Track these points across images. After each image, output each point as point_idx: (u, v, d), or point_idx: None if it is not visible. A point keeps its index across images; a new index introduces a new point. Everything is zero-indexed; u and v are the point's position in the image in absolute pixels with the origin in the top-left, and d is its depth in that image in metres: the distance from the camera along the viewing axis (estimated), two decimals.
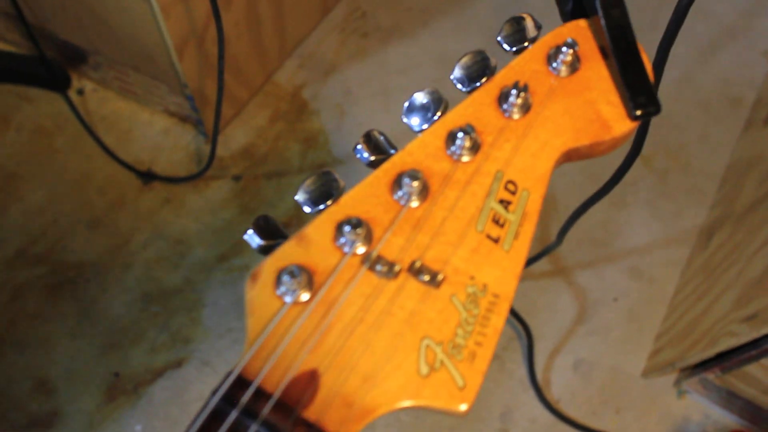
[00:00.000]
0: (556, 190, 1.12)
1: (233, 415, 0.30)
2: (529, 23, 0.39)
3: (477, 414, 0.99)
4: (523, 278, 1.06)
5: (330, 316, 0.33)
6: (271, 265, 0.33)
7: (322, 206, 0.35)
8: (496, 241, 0.35)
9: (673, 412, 0.99)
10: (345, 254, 0.34)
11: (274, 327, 0.32)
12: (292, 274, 0.32)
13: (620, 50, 0.38)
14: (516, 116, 0.37)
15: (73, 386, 0.97)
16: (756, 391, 0.89)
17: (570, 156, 0.37)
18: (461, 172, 0.36)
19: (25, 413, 0.95)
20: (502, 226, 0.35)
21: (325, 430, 0.30)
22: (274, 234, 0.35)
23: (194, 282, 1.04)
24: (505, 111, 0.37)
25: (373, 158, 0.37)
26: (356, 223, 0.34)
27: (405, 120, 0.37)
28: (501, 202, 0.35)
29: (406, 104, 0.37)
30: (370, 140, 0.37)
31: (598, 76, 0.38)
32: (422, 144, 0.36)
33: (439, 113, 0.37)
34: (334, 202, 0.35)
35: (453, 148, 0.36)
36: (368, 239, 0.34)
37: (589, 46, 0.39)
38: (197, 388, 0.98)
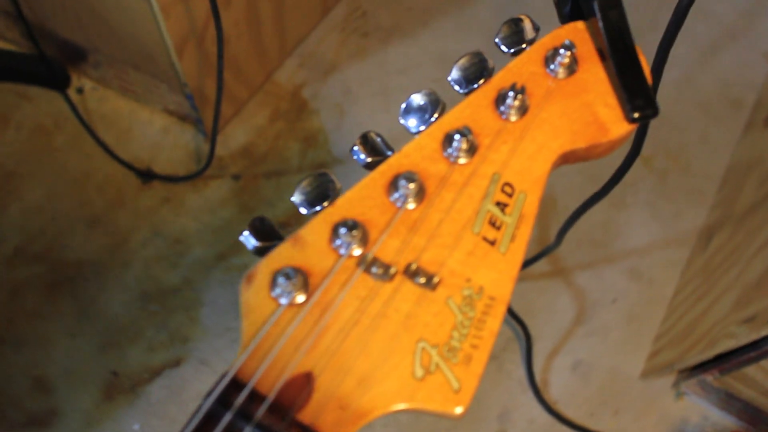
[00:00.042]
0: (556, 190, 1.12)
1: (227, 417, 0.30)
2: (527, 25, 0.39)
3: (475, 414, 0.99)
4: (522, 279, 1.06)
5: (325, 318, 0.32)
6: (266, 266, 0.33)
7: (318, 208, 0.35)
8: (492, 243, 0.35)
9: (671, 413, 0.99)
10: (341, 256, 0.34)
11: (269, 329, 0.32)
12: (288, 276, 0.32)
13: (618, 52, 0.38)
14: (513, 118, 0.37)
15: (71, 385, 0.97)
16: (755, 393, 0.89)
17: (567, 158, 0.37)
18: (458, 174, 0.36)
19: (23, 411, 0.95)
20: (498, 228, 0.35)
21: None
22: (269, 235, 0.35)
23: (193, 281, 1.04)
24: (502, 113, 0.37)
25: (369, 160, 0.37)
26: (352, 225, 0.34)
27: (402, 121, 0.37)
28: (498, 204, 0.35)
29: (403, 105, 0.37)
30: (366, 142, 0.37)
31: (595, 78, 0.38)
32: (419, 146, 0.36)
33: (436, 115, 0.37)
34: (330, 203, 0.35)
35: (450, 150, 0.36)
36: (364, 241, 0.34)
37: (587, 48, 0.39)
38: (195, 387, 0.98)
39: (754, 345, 0.79)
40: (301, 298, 0.33)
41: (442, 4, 1.28)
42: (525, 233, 0.35)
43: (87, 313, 1.01)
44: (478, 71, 0.38)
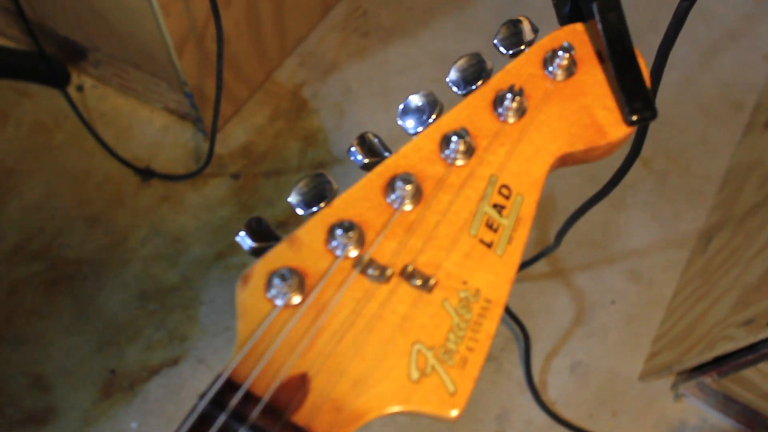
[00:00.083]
0: (555, 191, 1.12)
1: (222, 418, 0.29)
2: (526, 26, 0.39)
3: (473, 415, 0.99)
4: (521, 279, 1.05)
5: (321, 319, 0.32)
6: (262, 267, 0.33)
7: (314, 208, 0.35)
8: (489, 245, 0.35)
9: (669, 415, 0.99)
10: (337, 257, 0.34)
11: (265, 330, 0.32)
12: (283, 278, 0.32)
13: (617, 55, 0.37)
14: (511, 120, 0.37)
15: (69, 383, 0.97)
16: (753, 396, 0.89)
17: (565, 161, 0.37)
18: (455, 176, 0.36)
19: (20, 409, 0.95)
20: (495, 230, 0.35)
21: None
22: (266, 236, 0.35)
23: (191, 280, 1.04)
24: (500, 115, 0.37)
25: (367, 161, 0.36)
26: (348, 227, 0.33)
27: (400, 122, 0.37)
28: (495, 206, 0.35)
29: (401, 106, 0.37)
30: (364, 142, 0.37)
31: (594, 80, 0.38)
32: (416, 147, 0.36)
33: (434, 116, 0.37)
34: (326, 204, 0.35)
35: (447, 152, 0.36)
36: (360, 243, 0.34)
37: (585, 50, 0.39)
38: (193, 385, 0.98)
39: (752, 348, 0.78)
40: (296, 299, 0.33)
41: (443, 4, 1.28)
42: (522, 236, 0.35)
43: (86, 312, 1.01)
44: (476, 72, 0.38)
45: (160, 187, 1.10)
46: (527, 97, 0.37)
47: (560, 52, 0.37)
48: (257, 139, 1.14)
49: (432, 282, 0.33)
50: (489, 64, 0.38)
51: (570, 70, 0.38)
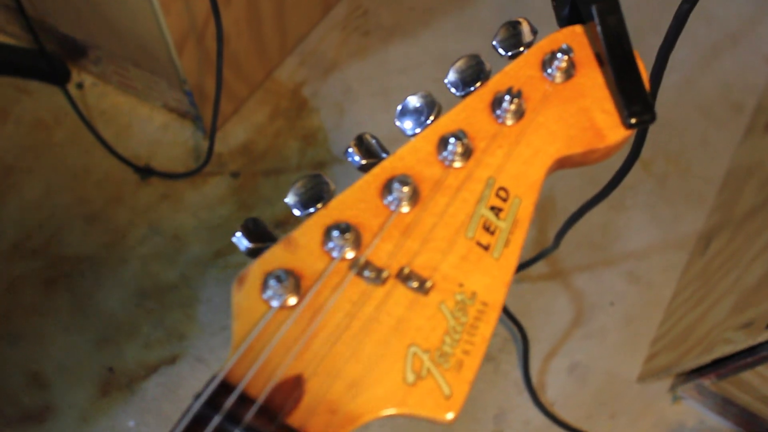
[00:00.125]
0: (555, 192, 1.11)
1: (216, 420, 0.29)
2: (525, 28, 0.39)
3: (471, 415, 0.99)
4: (520, 280, 1.05)
5: (316, 321, 0.32)
6: (257, 268, 0.33)
7: (311, 209, 0.35)
8: (486, 248, 0.34)
9: (668, 417, 0.99)
10: (333, 259, 0.34)
11: (260, 331, 0.32)
12: (279, 279, 0.32)
13: (616, 57, 0.37)
14: (509, 122, 0.37)
15: (66, 380, 0.97)
16: (751, 398, 0.89)
17: (563, 163, 0.37)
18: (452, 178, 0.36)
19: (18, 407, 0.95)
20: (492, 233, 0.35)
21: None
22: (262, 237, 0.35)
23: (190, 278, 1.03)
24: (498, 117, 0.37)
25: (364, 162, 0.36)
26: (345, 228, 0.33)
27: (398, 123, 0.37)
28: (492, 209, 0.35)
29: (399, 107, 0.37)
30: (361, 143, 0.37)
31: (593, 83, 0.38)
32: (414, 149, 0.36)
33: (431, 117, 0.37)
34: (323, 205, 0.35)
35: (445, 154, 0.36)
36: (357, 244, 0.34)
37: (584, 53, 0.38)
38: (191, 384, 0.97)
39: (750, 350, 0.78)
40: (292, 300, 0.33)
41: (443, 4, 1.28)
42: (519, 238, 0.35)
43: (84, 310, 1.01)
44: (474, 74, 0.38)
45: (159, 186, 1.09)
46: (526, 99, 0.37)
47: (559, 55, 0.37)
48: (257, 138, 1.14)
49: (428, 284, 0.33)
50: (487, 66, 0.38)
51: (569, 73, 0.38)
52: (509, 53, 0.39)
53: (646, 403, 1.00)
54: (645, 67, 0.38)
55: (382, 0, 1.28)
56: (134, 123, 1.14)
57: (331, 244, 0.33)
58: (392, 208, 0.35)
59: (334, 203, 0.35)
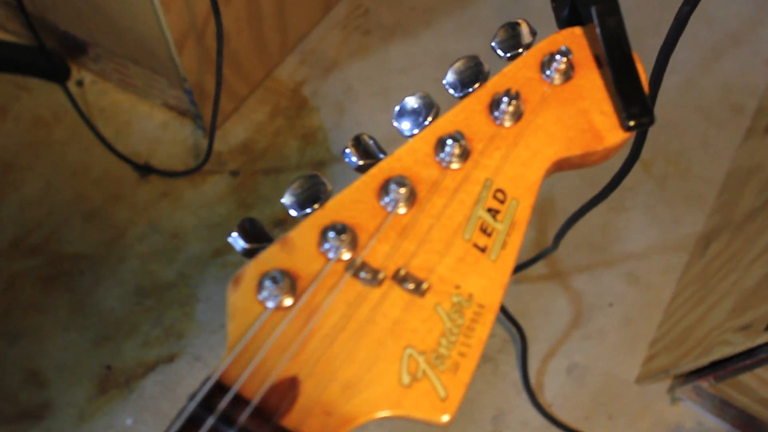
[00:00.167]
0: (554, 193, 1.11)
1: (210, 421, 0.29)
2: (524, 29, 0.38)
3: (469, 415, 0.99)
4: (519, 281, 1.05)
5: (312, 322, 0.32)
6: (253, 269, 0.33)
7: (308, 210, 0.35)
8: (483, 250, 0.34)
9: (666, 419, 0.99)
10: (329, 260, 0.33)
11: (255, 332, 0.32)
12: (275, 280, 0.32)
13: (615, 60, 0.37)
14: (507, 124, 0.37)
15: (64, 378, 0.97)
16: (749, 400, 0.89)
17: (561, 165, 0.37)
18: (450, 180, 0.35)
19: (15, 404, 0.95)
20: (489, 235, 0.35)
21: None
22: (259, 237, 0.34)
23: (189, 277, 1.03)
24: (496, 118, 0.37)
25: (361, 163, 0.36)
26: (341, 229, 0.33)
27: (395, 124, 0.37)
28: (489, 210, 0.35)
29: (397, 108, 0.37)
30: (359, 144, 0.36)
31: (591, 85, 0.38)
32: (411, 150, 0.36)
33: (429, 118, 0.37)
34: (320, 206, 0.35)
35: (442, 155, 0.36)
36: (353, 245, 0.34)
37: (583, 55, 0.38)
38: (189, 383, 0.97)
39: (749, 353, 0.78)
40: (288, 301, 0.32)
41: (444, 3, 1.27)
42: (516, 240, 0.35)
43: (82, 307, 1.01)
44: (473, 75, 0.38)
45: (158, 184, 1.09)
46: (524, 101, 0.37)
47: (558, 56, 0.37)
48: (257, 137, 1.14)
49: (425, 286, 0.33)
50: (486, 67, 0.38)
51: (567, 74, 0.38)
52: (508, 54, 0.38)
53: (645, 404, 1.00)
54: (645, 68, 0.38)
55: None
56: (134, 121, 1.14)
57: (327, 245, 0.33)
58: (389, 209, 0.35)
59: (330, 204, 0.35)
